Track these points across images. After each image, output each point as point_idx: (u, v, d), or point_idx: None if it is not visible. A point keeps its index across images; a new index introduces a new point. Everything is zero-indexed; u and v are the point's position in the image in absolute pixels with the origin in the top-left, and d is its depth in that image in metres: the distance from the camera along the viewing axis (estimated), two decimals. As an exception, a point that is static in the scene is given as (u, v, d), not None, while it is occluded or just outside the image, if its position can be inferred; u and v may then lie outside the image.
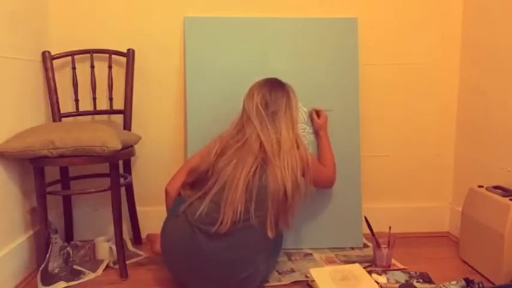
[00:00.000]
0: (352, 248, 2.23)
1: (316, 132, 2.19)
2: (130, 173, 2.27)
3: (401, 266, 2.02)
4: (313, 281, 1.81)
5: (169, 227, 1.78)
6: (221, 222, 1.66)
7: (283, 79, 1.93)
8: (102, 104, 2.27)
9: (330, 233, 2.23)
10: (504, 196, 1.84)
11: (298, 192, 1.76)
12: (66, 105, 2.26)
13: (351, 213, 2.25)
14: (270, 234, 1.70)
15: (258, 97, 1.82)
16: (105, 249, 2.11)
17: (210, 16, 2.26)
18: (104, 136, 1.84)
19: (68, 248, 2.07)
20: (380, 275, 1.91)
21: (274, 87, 1.86)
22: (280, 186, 1.69)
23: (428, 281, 1.87)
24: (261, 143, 1.74)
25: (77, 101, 2.23)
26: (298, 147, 1.79)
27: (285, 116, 1.81)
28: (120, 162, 2.15)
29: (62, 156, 1.82)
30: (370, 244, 2.21)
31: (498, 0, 2.07)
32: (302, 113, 2.21)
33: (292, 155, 1.74)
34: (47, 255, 1.92)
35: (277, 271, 1.98)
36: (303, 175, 1.80)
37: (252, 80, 2.00)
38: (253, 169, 1.70)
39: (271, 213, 1.70)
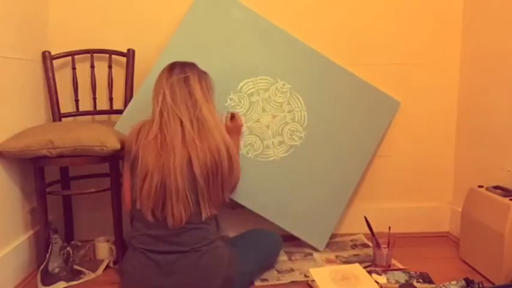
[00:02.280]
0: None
1: (235, 137, 2.03)
2: (130, 173, 2.27)
3: (401, 266, 2.02)
4: (313, 280, 1.81)
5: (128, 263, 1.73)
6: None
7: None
8: (102, 104, 2.27)
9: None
10: (504, 196, 1.84)
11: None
12: (66, 105, 2.26)
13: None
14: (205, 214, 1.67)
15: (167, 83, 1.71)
16: (105, 249, 2.11)
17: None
18: (103, 136, 1.84)
19: (68, 248, 2.07)
20: (380, 275, 1.91)
21: (184, 71, 1.74)
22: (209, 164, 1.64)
23: (429, 281, 1.87)
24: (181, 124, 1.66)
25: (77, 101, 2.23)
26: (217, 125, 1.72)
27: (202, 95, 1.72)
28: (120, 162, 2.15)
29: (61, 156, 1.83)
30: (370, 244, 2.21)
31: (498, 0, 2.07)
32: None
33: (210, 135, 1.67)
34: (47, 255, 1.92)
35: (276, 270, 1.99)
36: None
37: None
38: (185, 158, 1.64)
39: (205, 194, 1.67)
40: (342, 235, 2.39)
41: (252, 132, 2.16)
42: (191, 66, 1.77)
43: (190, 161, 1.62)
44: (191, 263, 1.65)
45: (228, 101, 2.13)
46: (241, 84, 2.15)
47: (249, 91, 2.16)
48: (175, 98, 1.68)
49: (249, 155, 2.16)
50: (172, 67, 1.74)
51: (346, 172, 2.22)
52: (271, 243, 1.98)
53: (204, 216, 1.67)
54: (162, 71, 1.75)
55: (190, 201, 1.63)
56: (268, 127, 2.17)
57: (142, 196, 1.64)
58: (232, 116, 2.04)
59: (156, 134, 1.66)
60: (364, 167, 2.25)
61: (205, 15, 2.15)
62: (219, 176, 1.68)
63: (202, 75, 1.77)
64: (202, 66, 1.81)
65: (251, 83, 2.16)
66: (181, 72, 1.72)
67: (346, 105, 2.23)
